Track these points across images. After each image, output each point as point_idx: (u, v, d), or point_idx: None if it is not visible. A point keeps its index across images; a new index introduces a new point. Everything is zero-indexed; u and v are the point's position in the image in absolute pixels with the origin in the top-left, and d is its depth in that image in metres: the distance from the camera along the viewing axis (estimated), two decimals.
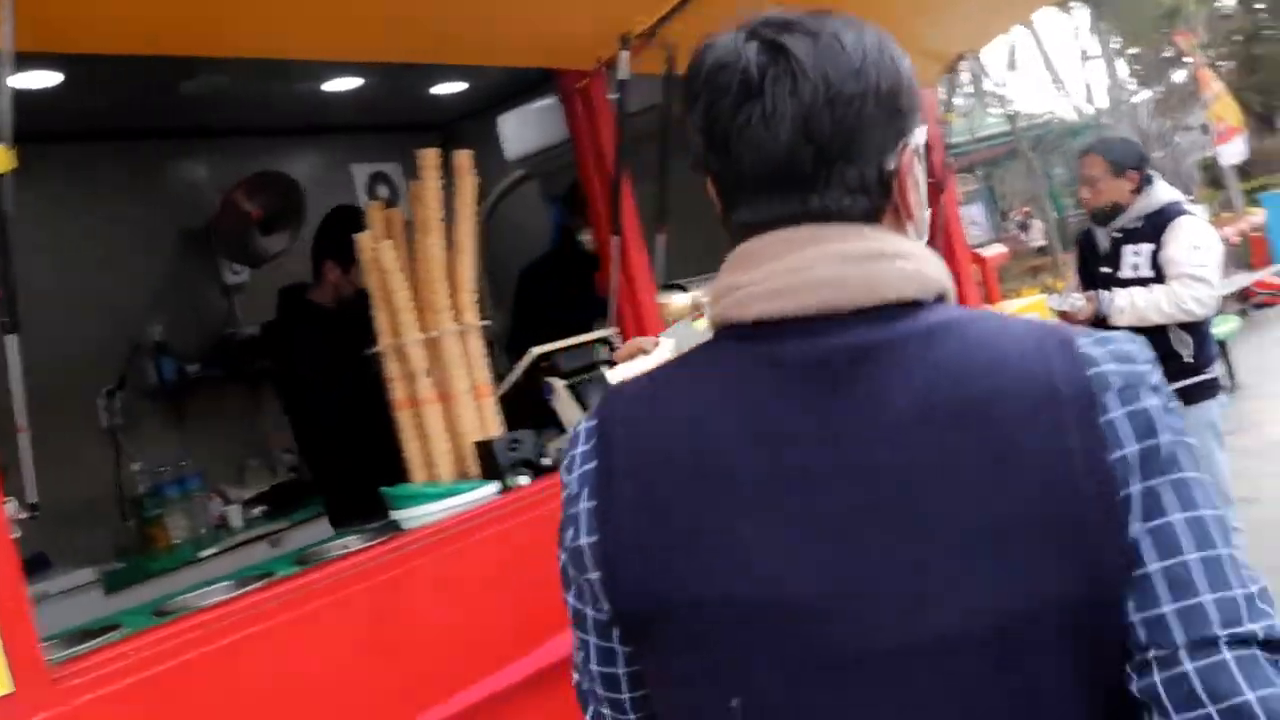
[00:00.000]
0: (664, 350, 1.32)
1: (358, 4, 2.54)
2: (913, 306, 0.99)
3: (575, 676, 1.16)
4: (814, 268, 0.99)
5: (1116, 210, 4.16)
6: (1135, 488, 0.93)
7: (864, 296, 0.98)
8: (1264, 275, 12.78)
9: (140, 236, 4.80)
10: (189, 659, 1.99)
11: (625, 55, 2.98)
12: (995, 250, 6.13)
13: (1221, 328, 9.33)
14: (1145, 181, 4.14)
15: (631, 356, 1.25)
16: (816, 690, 0.96)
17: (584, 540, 1.04)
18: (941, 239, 4.90)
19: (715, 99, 1.02)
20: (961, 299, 5.09)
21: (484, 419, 3.00)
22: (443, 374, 2.97)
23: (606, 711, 1.13)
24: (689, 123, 1.06)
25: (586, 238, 4.29)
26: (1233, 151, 18.24)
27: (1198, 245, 3.99)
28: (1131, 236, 4.15)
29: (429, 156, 3.00)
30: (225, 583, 2.60)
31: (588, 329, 3.39)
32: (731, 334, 1.03)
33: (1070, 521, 0.92)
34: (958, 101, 5.21)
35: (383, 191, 5.62)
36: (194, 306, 5.06)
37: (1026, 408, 0.94)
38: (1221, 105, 17.21)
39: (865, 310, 0.98)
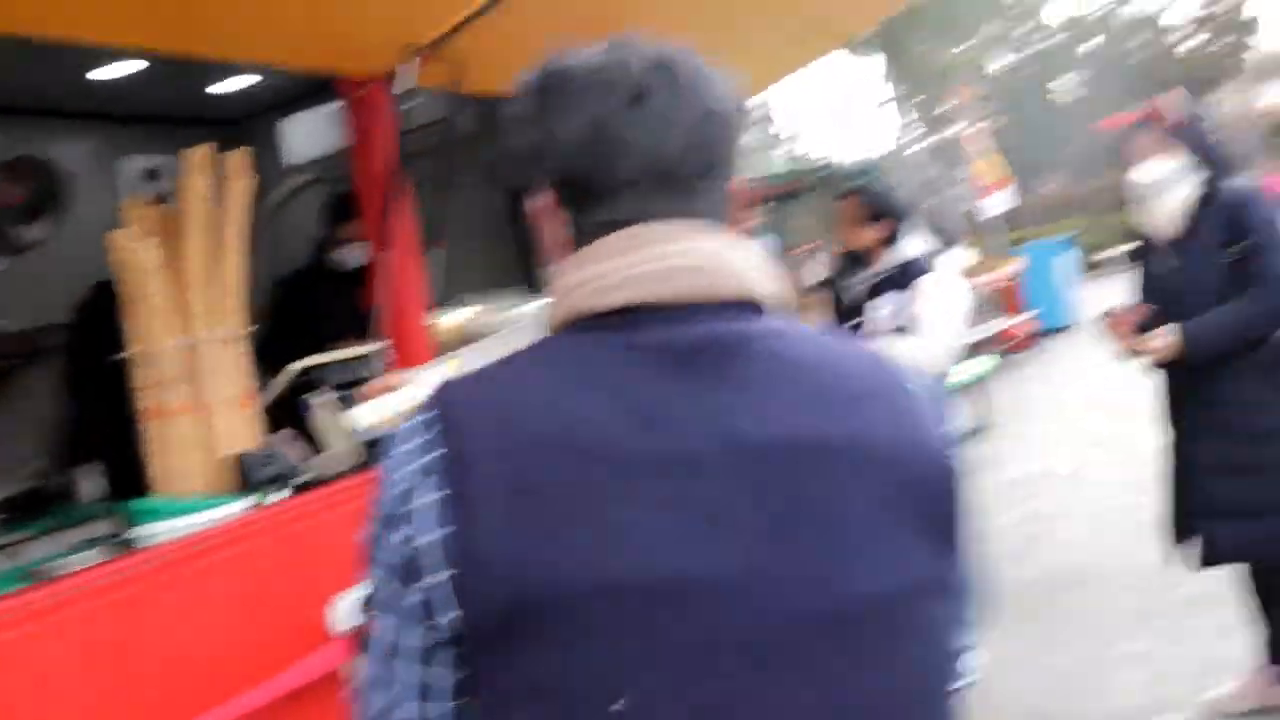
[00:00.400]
0: (415, 388, 1.27)
1: None
2: (760, 307, 1.06)
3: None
4: (689, 256, 1.03)
5: (868, 257, 4.05)
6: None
7: (733, 290, 1.04)
8: (1017, 321, 13.63)
9: None
10: None
11: (409, 66, 2.94)
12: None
13: (980, 368, 9.90)
14: (897, 233, 4.04)
15: (379, 394, 1.18)
16: (705, 677, 0.94)
17: (426, 539, 0.96)
18: None
19: (602, 102, 1.05)
20: None
21: (244, 431, 2.90)
22: (199, 383, 2.85)
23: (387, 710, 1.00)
24: (541, 126, 1.08)
25: (340, 254, 4.22)
26: (994, 205, 19.45)
27: (943, 303, 3.91)
28: (880, 287, 4.00)
29: (197, 154, 2.89)
30: None
31: (344, 344, 3.32)
32: (585, 325, 1.03)
33: (932, 509, 1.02)
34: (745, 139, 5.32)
35: (154, 187, 5.37)
36: None
37: (886, 405, 1.03)
38: (984, 162, 18.32)
39: (728, 303, 1.03)
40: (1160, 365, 3.49)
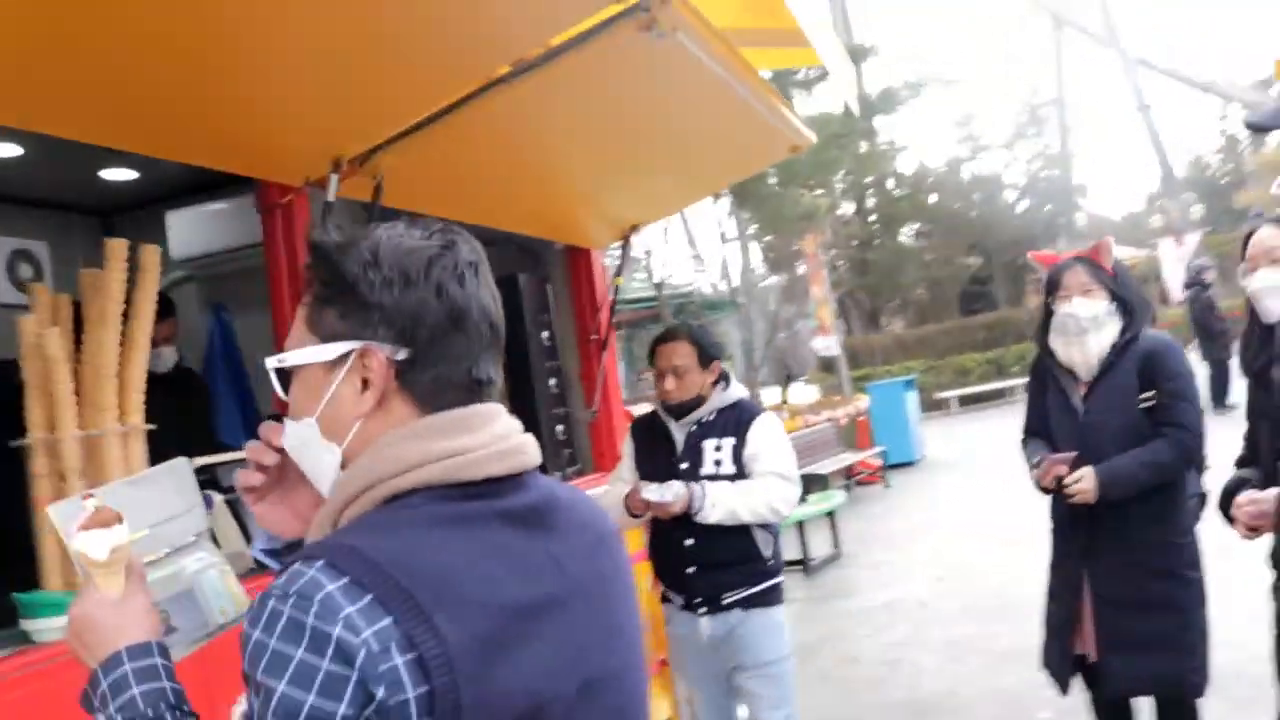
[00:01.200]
0: (179, 485, 1.38)
1: (38, 68, 2.32)
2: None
3: None
4: (512, 436, 1.32)
5: (696, 402, 3.80)
6: None
7: (534, 461, 1.34)
8: (865, 456, 14.06)
9: None
10: None
11: (335, 178, 2.99)
12: (646, 408, 6.44)
13: (829, 502, 10.16)
14: (723, 375, 3.89)
15: (107, 524, 1.30)
16: None
17: (397, 697, 1.09)
18: (600, 394, 5.12)
19: (457, 274, 1.30)
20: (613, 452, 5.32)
21: None
22: (98, 475, 2.77)
23: None
24: (410, 297, 1.27)
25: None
26: (826, 345, 20.28)
27: (781, 444, 3.82)
28: (709, 431, 3.78)
29: (117, 247, 2.86)
30: None
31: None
32: (444, 493, 1.24)
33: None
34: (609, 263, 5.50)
35: (25, 271, 5.23)
36: None
37: (614, 538, 1.44)
38: (822, 307, 19.12)
39: (530, 471, 1.34)
40: (1069, 500, 3.63)
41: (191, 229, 4.98)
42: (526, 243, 5.10)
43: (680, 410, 3.83)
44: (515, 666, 1.16)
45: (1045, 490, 3.74)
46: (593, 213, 4.79)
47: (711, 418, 3.82)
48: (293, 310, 3.14)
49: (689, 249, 27.07)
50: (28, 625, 2.51)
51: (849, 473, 13.33)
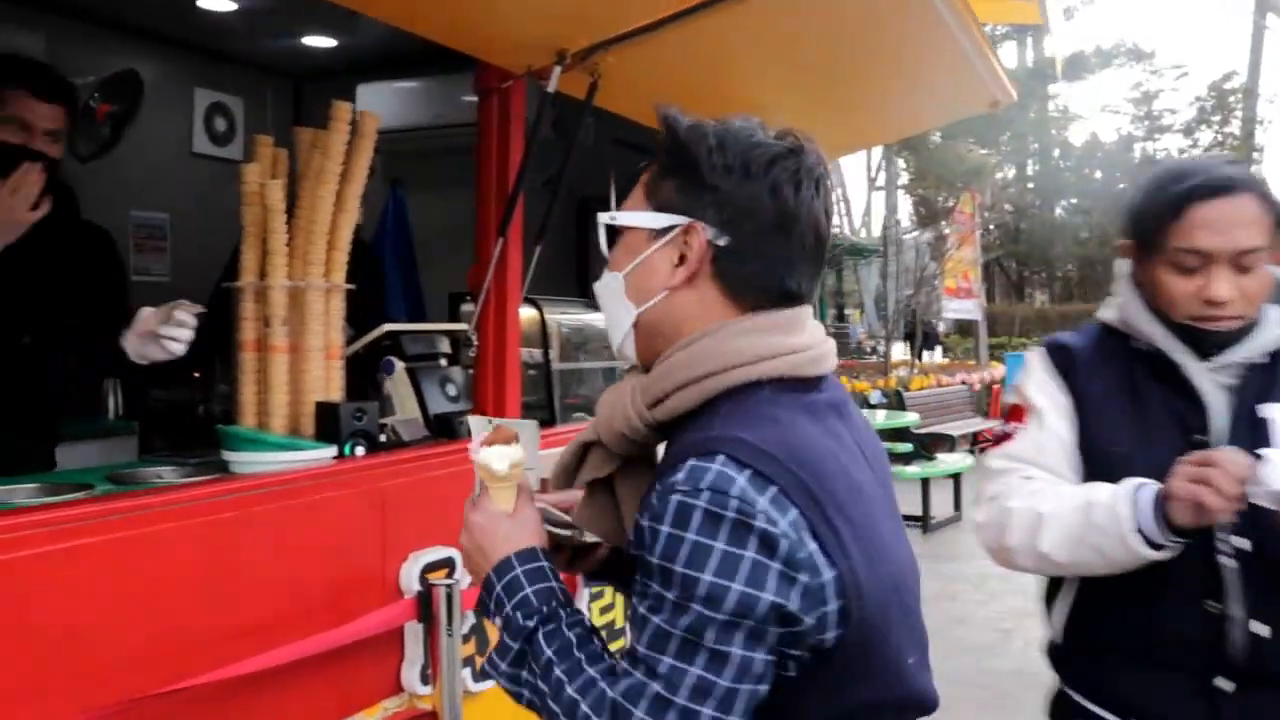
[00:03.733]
0: (527, 441, 1.43)
1: None
2: None
3: None
4: (826, 340, 1.39)
5: (1243, 330, 1.91)
6: None
7: (835, 364, 1.42)
8: (995, 425, 13.83)
9: None
10: (25, 556, 1.88)
11: (558, 70, 3.02)
12: None
13: (956, 464, 10.06)
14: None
15: (507, 442, 1.38)
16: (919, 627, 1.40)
17: (815, 580, 1.19)
18: None
19: (795, 180, 1.32)
20: None
21: (329, 380, 2.94)
22: (300, 326, 2.90)
23: None
24: (745, 189, 1.31)
25: None
26: (960, 308, 19.79)
27: None
28: (1272, 382, 1.90)
29: (342, 109, 2.95)
30: (30, 484, 2.44)
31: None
32: (789, 386, 1.31)
33: None
34: None
35: (220, 124, 5.43)
36: None
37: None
38: (965, 267, 18.68)
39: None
40: None
41: (379, 103, 5.08)
42: None
43: (1218, 340, 1.90)
44: (878, 547, 1.28)
45: None
46: None
47: (1265, 361, 1.93)
48: (499, 189, 3.26)
49: (836, 191, 26.68)
50: (228, 455, 2.65)
51: (976, 438, 13.14)
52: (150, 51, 4.94)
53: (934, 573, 7.89)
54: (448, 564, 2.82)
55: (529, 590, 1.32)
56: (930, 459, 10.42)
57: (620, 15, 2.98)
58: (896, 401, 12.11)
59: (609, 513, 1.43)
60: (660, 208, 1.36)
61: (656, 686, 1.17)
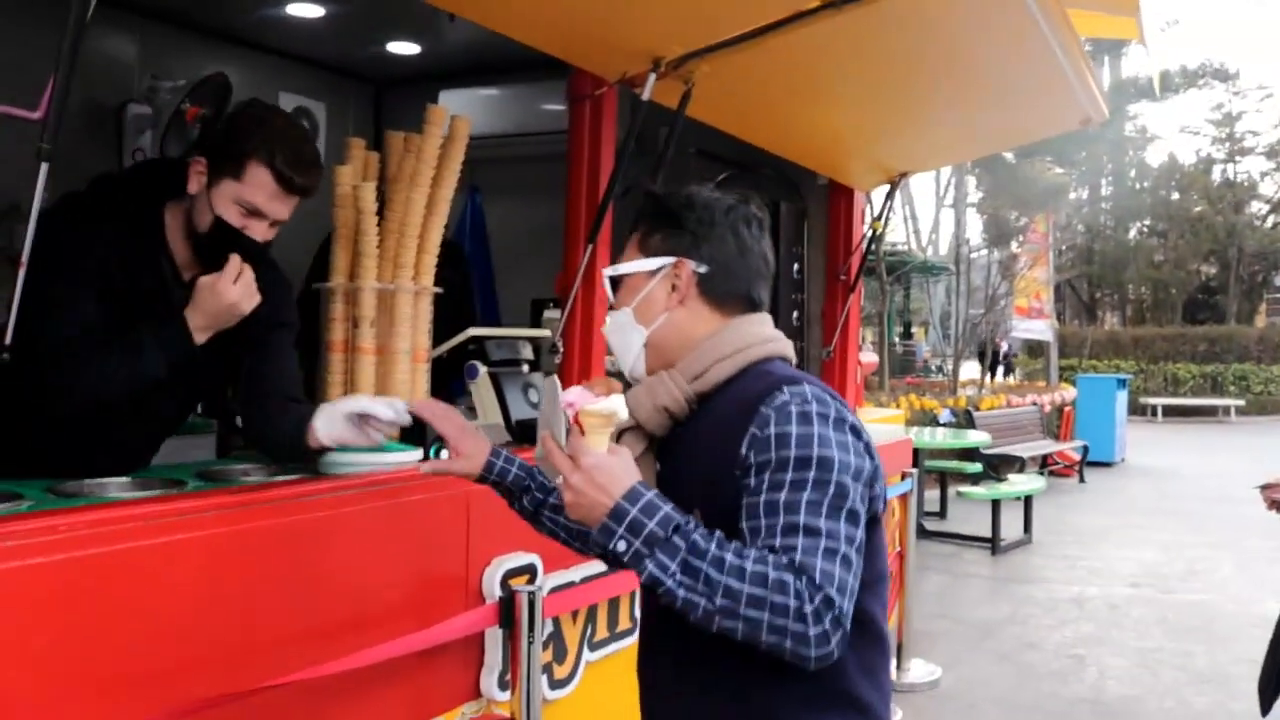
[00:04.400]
0: (620, 403, 1.68)
1: None
2: None
3: (837, 601, 1.49)
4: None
5: None
6: None
7: None
8: (1065, 447, 13.62)
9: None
10: (121, 549, 1.89)
11: (653, 78, 3.01)
12: (870, 358, 6.39)
13: (1030, 485, 9.92)
14: None
15: (609, 393, 1.69)
16: None
17: (870, 464, 1.64)
18: (840, 335, 5.08)
19: (745, 222, 1.81)
20: (846, 396, 5.28)
21: (415, 383, 2.95)
22: (388, 328, 2.91)
23: (854, 577, 1.55)
24: (714, 232, 1.79)
25: None
26: (1030, 328, 19.50)
27: None
28: None
29: (437, 113, 2.96)
30: (124, 479, 2.47)
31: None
32: (781, 360, 1.79)
33: None
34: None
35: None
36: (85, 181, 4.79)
37: None
38: (1038, 287, 18.42)
39: None
40: None
41: (460, 109, 5.09)
42: (792, 173, 5.06)
43: None
44: (874, 453, 1.69)
45: (1277, 511, 3.58)
46: (868, 153, 4.73)
47: None
48: (589, 197, 3.26)
49: (903, 208, 26.46)
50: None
51: (1045, 461, 12.94)
52: (237, 56, 5.01)
53: (1004, 595, 7.77)
54: (530, 570, 2.81)
55: (666, 508, 1.54)
56: (1000, 480, 10.26)
57: (716, 24, 2.97)
58: (966, 421, 11.94)
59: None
60: (652, 254, 1.82)
61: (824, 541, 1.52)
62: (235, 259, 2.34)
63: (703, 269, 1.78)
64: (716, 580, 1.48)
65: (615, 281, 1.87)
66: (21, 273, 2.07)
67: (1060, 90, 4.00)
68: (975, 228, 27.53)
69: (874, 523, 1.69)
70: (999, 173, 18.43)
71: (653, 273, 1.81)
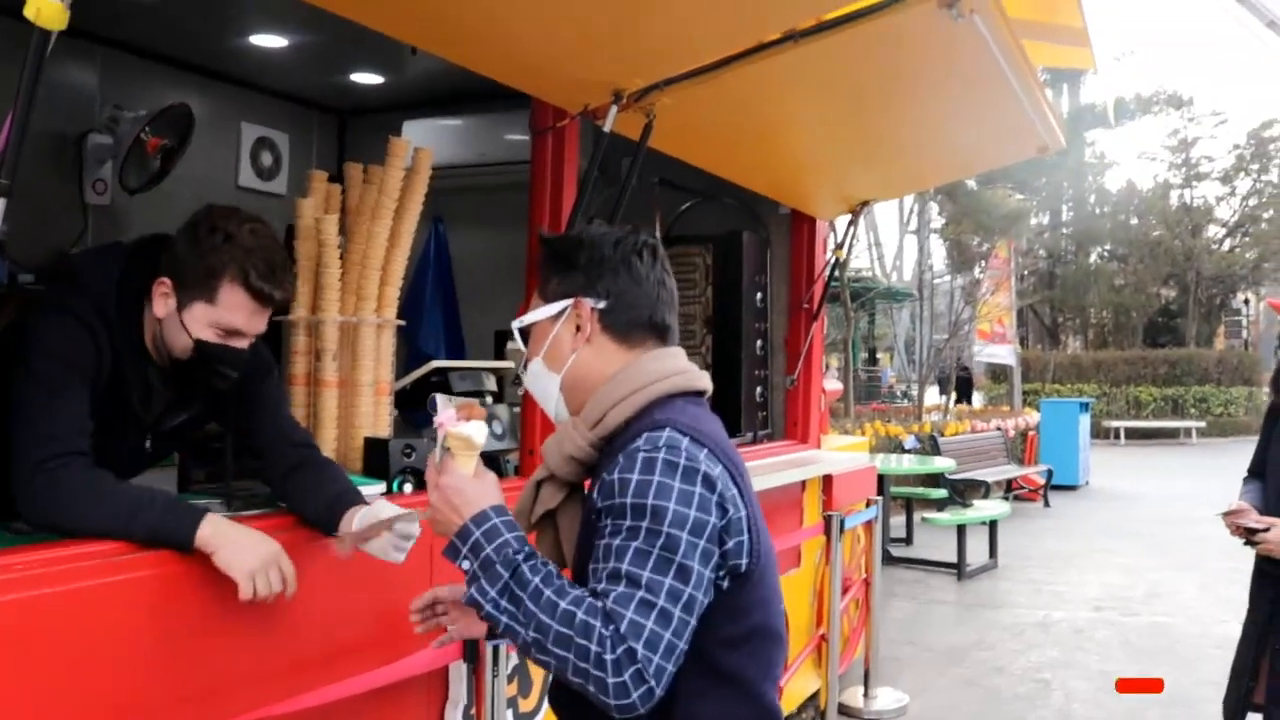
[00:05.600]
0: (477, 431, 1.70)
1: None
2: None
3: (640, 655, 1.47)
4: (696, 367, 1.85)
5: None
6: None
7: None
8: (1029, 471, 13.71)
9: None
10: (80, 587, 1.87)
11: (614, 110, 3.03)
12: (835, 385, 6.42)
13: (993, 511, 9.97)
14: None
15: (477, 419, 1.72)
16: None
17: (736, 514, 1.63)
18: (803, 363, 5.10)
19: (637, 250, 1.80)
20: (810, 424, 5.30)
21: (379, 416, 2.94)
22: (351, 361, 2.90)
23: (677, 653, 1.52)
24: (607, 266, 1.78)
25: None
26: (994, 353, 19.67)
27: None
28: None
29: (399, 145, 2.97)
30: None
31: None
32: (685, 396, 1.77)
33: None
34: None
35: (266, 159, 5.47)
36: (45, 215, 4.75)
37: None
38: (1004, 315, 18.59)
39: None
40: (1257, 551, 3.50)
41: (424, 140, 5.11)
42: (754, 203, 5.09)
43: None
44: (753, 504, 1.70)
45: (1239, 537, 3.61)
46: (830, 183, 4.76)
47: None
48: (551, 227, 3.26)
49: (867, 235, 26.61)
50: None
51: (1009, 485, 13.01)
52: (200, 86, 4.99)
53: (969, 621, 7.79)
54: None
55: (508, 535, 1.60)
56: (965, 505, 10.31)
57: (677, 57, 2.99)
58: (931, 447, 12.00)
59: (555, 545, 1.85)
60: (552, 299, 1.82)
61: (640, 593, 1.50)
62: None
63: (601, 304, 1.78)
64: (531, 612, 1.51)
65: (524, 333, 1.87)
66: None
67: (1017, 120, 4.04)
68: (939, 254, 27.82)
69: (742, 578, 1.65)
70: (961, 199, 18.58)
71: (555, 317, 1.80)
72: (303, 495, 2.40)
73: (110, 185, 4.76)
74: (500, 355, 3.75)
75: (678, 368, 1.79)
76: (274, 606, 2.19)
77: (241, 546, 2.10)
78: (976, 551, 9.63)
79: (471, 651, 2.65)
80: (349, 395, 2.90)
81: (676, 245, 5.10)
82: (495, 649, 2.63)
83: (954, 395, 21.19)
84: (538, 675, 3.06)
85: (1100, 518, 12.99)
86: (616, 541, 1.55)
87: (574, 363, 1.79)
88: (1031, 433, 15.24)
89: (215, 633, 2.14)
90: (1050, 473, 13.82)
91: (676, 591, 1.52)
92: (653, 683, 1.47)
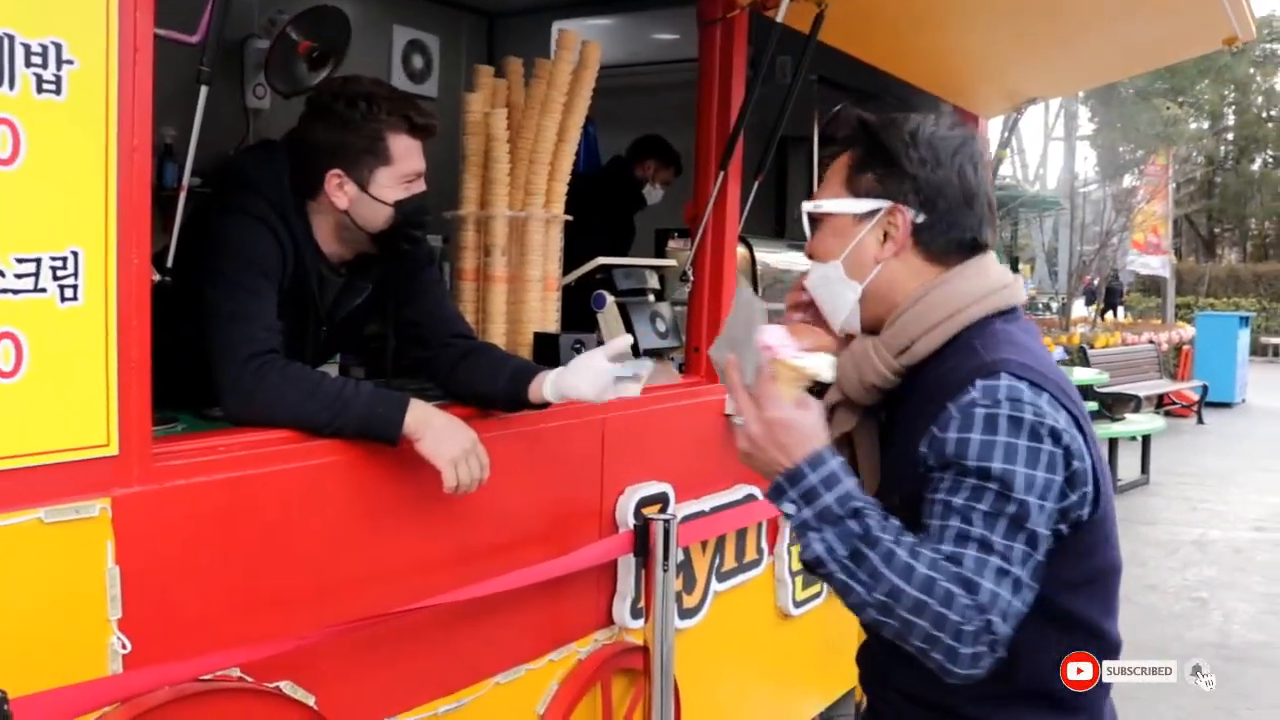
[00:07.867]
0: (826, 365, 1.52)
1: None
2: None
3: (996, 626, 1.38)
4: (1013, 275, 1.66)
5: None
6: None
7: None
8: (1182, 387, 13.25)
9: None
10: (274, 471, 1.93)
11: (786, 1, 2.93)
12: None
13: (1147, 425, 9.67)
14: None
15: (814, 348, 1.54)
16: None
17: (1081, 466, 1.47)
18: None
19: (973, 161, 1.60)
20: None
21: (546, 312, 2.94)
22: (519, 256, 2.90)
23: (1022, 602, 1.42)
24: (938, 174, 1.57)
25: (649, 189, 4.83)
26: (1148, 264, 18.91)
27: None
28: None
29: (568, 37, 2.92)
30: None
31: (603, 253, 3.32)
32: (1005, 316, 1.59)
33: None
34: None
35: (417, 62, 5.47)
36: (210, 119, 4.84)
37: None
38: (1160, 224, 17.82)
39: None
40: None
41: None
42: (914, 103, 4.92)
43: None
44: (1094, 445, 1.53)
45: None
46: (996, 75, 4.56)
47: None
48: (719, 124, 3.19)
49: (1012, 142, 25.71)
50: None
51: (1161, 400, 12.59)
52: None
53: (1123, 536, 7.54)
54: (662, 499, 2.80)
55: (849, 484, 1.45)
56: (1116, 419, 10.02)
57: None
58: (1081, 359, 11.65)
59: (850, 470, 1.55)
60: (863, 195, 1.61)
61: (995, 560, 1.40)
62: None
63: (921, 218, 1.57)
64: (882, 574, 1.39)
65: (814, 218, 1.67)
66: (182, 196, 2.09)
67: (1204, 6, 3.81)
68: (1086, 162, 26.77)
69: (1084, 525, 1.51)
70: (1114, 109, 17.79)
71: (862, 217, 1.60)
72: (480, 376, 2.40)
73: (269, 89, 4.83)
74: (660, 254, 3.72)
75: (991, 284, 1.59)
76: (448, 497, 2.20)
77: (445, 433, 2.12)
78: (1128, 467, 9.38)
79: (642, 545, 2.67)
80: (517, 290, 2.90)
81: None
82: (665, 544, 2.64)
83: (1103, 306, 20.53)
84: (701, 572, 3.07)
85: (1260, 435, 12.51)
86: (958, 500, 1.43)
87: (877, 276, 1.60)
88: (1186, 347, 14.68)
89: (392, 519, 2.19)
90: (1205, 388, 13.33)
91: (1026, 557, 1.42)
92: (1001, 652, 1.40)
